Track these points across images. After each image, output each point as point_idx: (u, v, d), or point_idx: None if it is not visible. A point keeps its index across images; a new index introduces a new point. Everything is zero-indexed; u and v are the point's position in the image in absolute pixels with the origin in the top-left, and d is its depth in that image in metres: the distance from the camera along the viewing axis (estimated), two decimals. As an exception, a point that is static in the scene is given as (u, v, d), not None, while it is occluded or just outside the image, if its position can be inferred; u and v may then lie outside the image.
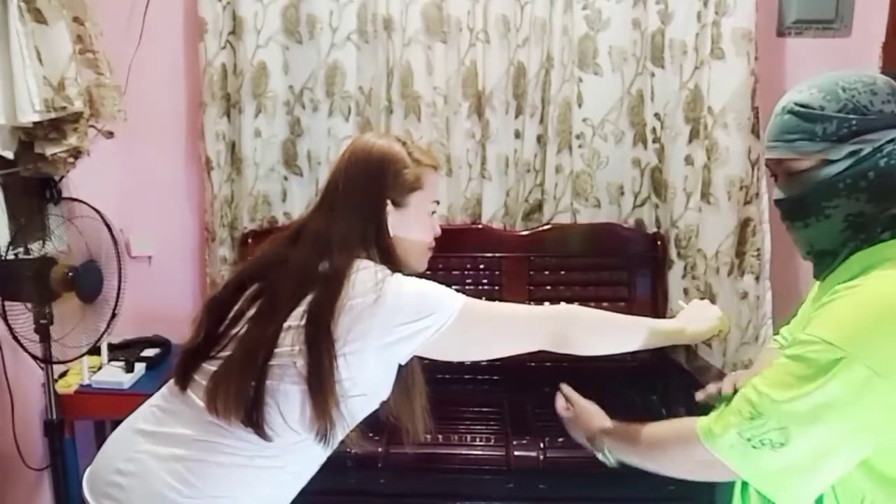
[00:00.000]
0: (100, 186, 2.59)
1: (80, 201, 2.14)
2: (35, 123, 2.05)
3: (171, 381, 1.28)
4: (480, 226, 2.84)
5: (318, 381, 1.15)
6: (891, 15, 2.65)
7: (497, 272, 2.75)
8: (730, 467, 1.02)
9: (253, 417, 1.17)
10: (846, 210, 1.04)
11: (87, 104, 2.19)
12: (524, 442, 2.30)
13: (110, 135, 2.35)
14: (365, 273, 1.20)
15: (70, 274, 2.02)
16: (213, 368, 1.22)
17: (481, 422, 2.44)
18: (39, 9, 2.00)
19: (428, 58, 2.75)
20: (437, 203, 1.35)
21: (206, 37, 2.69)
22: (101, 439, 2.75)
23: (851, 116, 1.02)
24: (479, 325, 1.25)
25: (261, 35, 2.70)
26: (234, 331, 1.23)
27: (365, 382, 1.21)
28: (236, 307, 1.25)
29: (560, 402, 1.39)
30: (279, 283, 1.23)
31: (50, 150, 2.12)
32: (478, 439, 2.35)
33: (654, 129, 2.73)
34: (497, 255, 2.76)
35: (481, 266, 2.75)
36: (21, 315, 2.06)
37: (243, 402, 1.17)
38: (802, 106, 1.05)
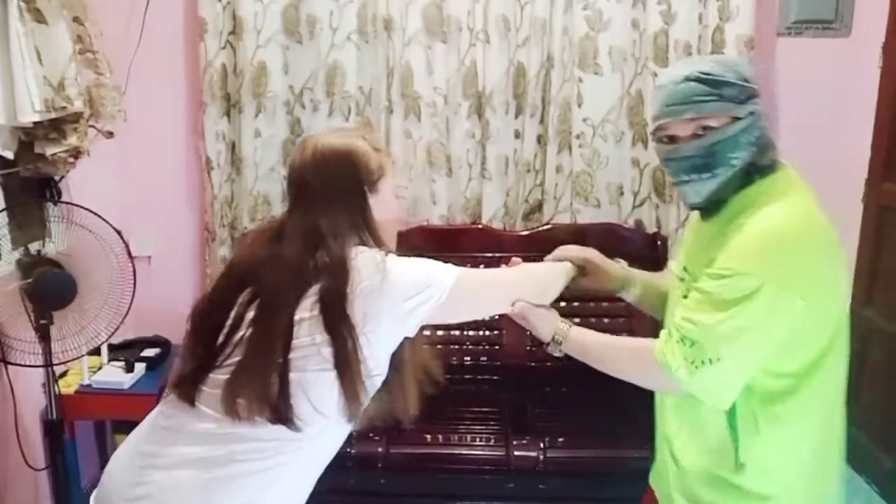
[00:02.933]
0: (100, 186, 2.59)
1: (86, 209, 2.13)
2: (35, 123, 2.05)
3: (174, 399, 1.27)
4: (480, 226, 2.85)
5: (345, 365, 1.19)
6: (891, 15, 2.65)
7: (497, 272, 2.74)
8: (681, 387, 1.22)
9: (281, 411, 1.18)
10: (744, 160, 1.25)
11: (87, 104, 2.19)
12: (524, 442, 2.30)
13: (110, 135, 2.35)
14: (364, 257, 1.23)
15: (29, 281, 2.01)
16: (223, 377, 1.21)
17: (481, 422, 2.44)
18: (39, 9, 2.00)
19: (428, 58, 2.75)
20: (406, 188, 1.39)
21: (206, 37, 2.69)
22: (101, 439, 2.75)
23: (746, 84, 1.25)
24: (475, 290, 1.38)
25: (261, 35, 2.71)
26: (238, 335, 1.23)
27: (381, 360, 1.26)
28: (233, 313, 1.25)
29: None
30: (274, 282, 1.23)
31: (50, 150, 2.11)
32: (478, 439, 2.35)
33: (655, 129, 2.73)
34: (497, 255, 2.76)
35: (481, 266, 2.74)
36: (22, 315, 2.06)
37: (267, 400, 1.18)
38: (708, 74, 1.23)
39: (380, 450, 2.25)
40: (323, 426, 1.23)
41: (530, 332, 1.44)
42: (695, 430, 1.34)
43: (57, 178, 2.28)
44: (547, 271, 1.54)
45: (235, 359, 1.22)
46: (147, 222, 2.86)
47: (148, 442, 1.27)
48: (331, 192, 1.28)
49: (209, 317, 1.28)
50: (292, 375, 1.18)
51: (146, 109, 2.71)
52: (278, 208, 2.84)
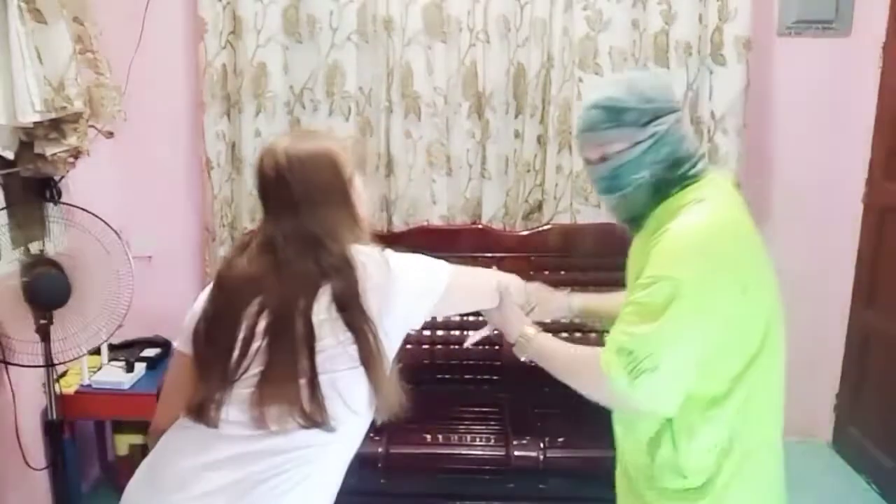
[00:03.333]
0: (100, 186, 2.59)
1: (86, 210, 2.13)
2: (35, 123, 2.05)
3: (192, 424, 1.23)
4: (480, 226, 2.85)
5: (371, 360, 1.21)
6: (891, 15, 2.65)
7: (497, 272, 2.75)
8: (626, 400, 1.23)
9: (315, 415, 1.18)
10: (652, 178, 1.29)
11: (87, 104, 2.19)
12: (524, 442, 2.30)
13: (110, 135, 2.34)
14: (366, 256, 1.25)
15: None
16: (247, 391, 1.20)
17: (481, 422, 2.44)
18: (39, 9, 1.99)
19: (428, 58, 2.75)
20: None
21: (206, 37, 2.69)
22: (101, 439, 2.75)
23: (647, 106, 1.28)
24: (467, 287, 1.46)
25: (261, 35, 2.71)
26: (255, 346, 1.21)
27: (393, 354, 1.28)
28: (243, 326, 1.22)
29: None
30: (282, 290, 1.22)
31: (50, 150, 2.11)
32: (478, 439, 2.35)
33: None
34: (497, 255, 2.76)
35: (481, 266, 2.76)
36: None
37: (298, 405, 1.17)
38: (610, 100, 1.29)
39: (380, 450, 2.25)
40: (354, 423, 1.25)
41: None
42: (629, 431, 1.41)
43: (57, 178, 2.28)
44: (518, 279, 1.61)
45: (256, 369, 1.20)
46: (147, 222, 2.86)
47: (172, 471, 1.23)
48: (319, 195, 1.28)
49: (215, 335, 1.25)
50: (322, 378, 1.18)
51: (146, 109, 2.71)
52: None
